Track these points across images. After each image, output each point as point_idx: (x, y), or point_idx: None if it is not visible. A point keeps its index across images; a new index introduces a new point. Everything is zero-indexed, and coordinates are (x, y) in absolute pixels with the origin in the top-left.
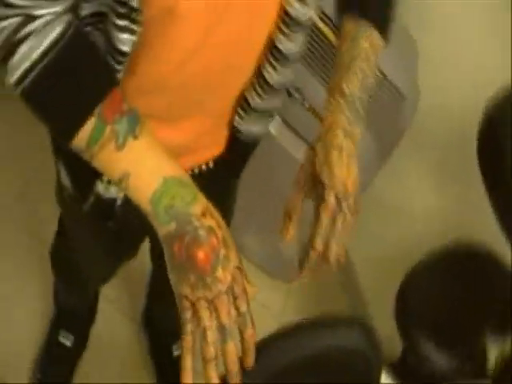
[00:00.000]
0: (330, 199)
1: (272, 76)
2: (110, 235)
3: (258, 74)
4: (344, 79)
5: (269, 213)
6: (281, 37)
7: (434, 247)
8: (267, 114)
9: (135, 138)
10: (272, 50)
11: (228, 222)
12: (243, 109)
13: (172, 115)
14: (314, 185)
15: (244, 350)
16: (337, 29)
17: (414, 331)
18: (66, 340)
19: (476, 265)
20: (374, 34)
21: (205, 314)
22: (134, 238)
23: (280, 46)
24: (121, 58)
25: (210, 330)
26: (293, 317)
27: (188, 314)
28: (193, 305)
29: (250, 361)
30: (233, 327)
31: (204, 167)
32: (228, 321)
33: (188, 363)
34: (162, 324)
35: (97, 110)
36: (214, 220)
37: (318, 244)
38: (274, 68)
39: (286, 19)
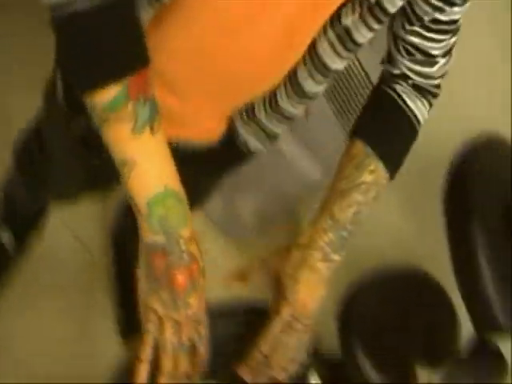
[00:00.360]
0: (285, 316)
1: (308, 83)
2: (89, 166)
3: (293, 78)
4: (337, 206)
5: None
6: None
7: (380, 263)
8: (273, 135)
9: (152, 131)
10: (314, 60)
11: (200, 202)
12: (266, 106)
13: (188, 87)
14: (276, 285)
15: (194, 365)
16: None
17: (354, 347)
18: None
19: (418, 289)
20: (381, 170)
21: (169, 330)
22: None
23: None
24: None
25: (171, 344)
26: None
27: (152, 328)
28: (158, 319)
29: (195, 377)
30: (188, 347)
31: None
32: (187, 341)
33: (143, 374)
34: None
35: (125, 81)
36: (197, 248)
37: (264, 348)
38: (312, 77)
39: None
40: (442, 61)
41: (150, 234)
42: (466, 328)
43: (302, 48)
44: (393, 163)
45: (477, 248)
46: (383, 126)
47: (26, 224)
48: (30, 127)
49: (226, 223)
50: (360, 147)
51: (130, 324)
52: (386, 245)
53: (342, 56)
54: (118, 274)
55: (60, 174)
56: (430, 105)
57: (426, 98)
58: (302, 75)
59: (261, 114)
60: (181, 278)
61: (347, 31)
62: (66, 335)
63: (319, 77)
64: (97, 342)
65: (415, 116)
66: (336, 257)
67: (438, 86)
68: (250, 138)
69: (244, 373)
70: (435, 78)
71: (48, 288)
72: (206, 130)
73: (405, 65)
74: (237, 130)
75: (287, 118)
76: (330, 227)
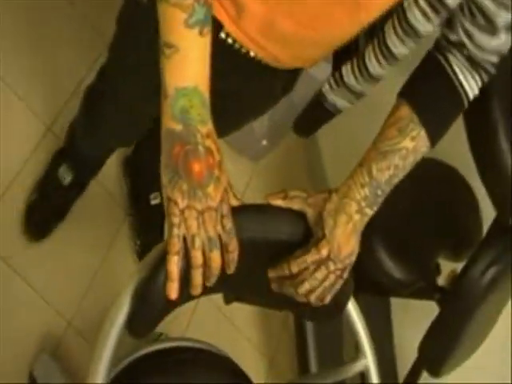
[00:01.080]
0: (323, 251)
1: (397, 46)
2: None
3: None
4: (376, 166)
5: None
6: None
7: None
8: (355, 94)
9: (201, 33)
10: (402, 22)
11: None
12: (355, 70)
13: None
14: (316, 221)
15: (227, 261)
16: None
17: (372, 238)
18: (64, 178)
19: (441, 181)
20: (422, 138)
21: (194, 223)
22: None
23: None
24: None
25: (198, 237)
26: (254, 196)
27: (175, 220)
28: (182, 212)
29: (232, 268)
30: (217, 240)
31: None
32: (214, 234)
33: (174, 268)
34: (142, 171)
35: None
36: (214, 145)
37: (293, 267)
38: (403, 41)
39: None
40: (503, 36)
41: (171, 121)
42: (487, 215)
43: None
44: (435, 132)
45: (497, 127)
46: (431, 94)
47: (87, 169)
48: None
49: (241, 141)
50: (406, 111)
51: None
52: None
53: (431, 19)
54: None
55: (124, 115)
56: (483, 82)
57: (478, 73)
58: (392, 40)
59: (350, 79)
60: (197, 167)
61: None
62: (87, 263)
63: (409, 41)
64: (117, 271)
65: (465, 92)
66: (369, 211)
67: (493, 65)
68: (338, 99)
69: (272, 277)
70: (492, 53)
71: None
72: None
73: (464, 28)
74: (324, 95)
75: (375, 79)
76: (366, 184)
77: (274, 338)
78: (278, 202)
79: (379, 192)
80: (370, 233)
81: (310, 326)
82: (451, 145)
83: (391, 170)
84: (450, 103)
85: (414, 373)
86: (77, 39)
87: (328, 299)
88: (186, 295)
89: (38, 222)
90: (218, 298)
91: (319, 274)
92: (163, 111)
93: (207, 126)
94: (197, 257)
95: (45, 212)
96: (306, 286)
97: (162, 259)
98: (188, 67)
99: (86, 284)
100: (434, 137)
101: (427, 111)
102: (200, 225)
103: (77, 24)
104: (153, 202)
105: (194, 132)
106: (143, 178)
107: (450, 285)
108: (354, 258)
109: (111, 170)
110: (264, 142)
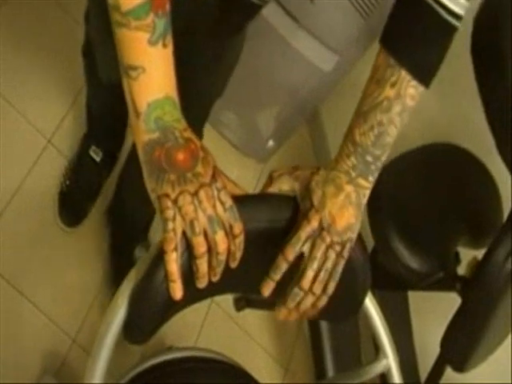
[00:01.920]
0: (313, 221)
1: None
2: None
3: None
4: (359, 130)
5: (248, 90)
6: None
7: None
8: None
9: (164, 45)
10: None
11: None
12: None
13: None
14: (305, 193)
15: (232, 250)
16: None
17: (386, 228)
18: (96, 155)
19: (456, 165)
20: (404, 80)
21: (189, 207)
22: None
23: None
24: None
25: (197, 221)
26: None
27: (169, 213)
28: (175, 202)
29: (238, 257)
30: (219, 220)
31: None
32: (213, 212)
33: (174, 266)
34: (125, 221)
35: None
36: (192, 135)
37: (288, 253)
38: None
39: None
40: None
41: (146, 134)
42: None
43: None
44: (423, 69)
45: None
46: (404, 25)
47: (113, 140)
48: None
49: (247, 143)
50: (381, 57)
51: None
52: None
53: None
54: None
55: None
56: None
57: None
58: None
59: None
60: (181, 155)
61: None
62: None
63: None
64: None
65: (450, 11)
66: (363, 181)
67: None
68: None
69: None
70: None
71: None
72: None
73: None
74: None
75: None
76: (352, 152)
77: (288, 344)
78: (269, 190)
79: (369, 158)
80: (384, 222)
81: (325, 328)
82: (466, 128)
83: (375, 129)
84: (428, 28)
85: (437, 370)
86: (74, 50)
87: (332, 287)
88: (188, 297)
89: (74, 205)
90: (228, 306)
91: (317, 251)
92: (137, 129)
93: (182, 123)
94: (199, 243)
95: (80, 194)
96: (309, 274)
97: (159, 257)
98: (156, 81)
99: (90, 300)
100: (420, 73)
101: (402, 46)
102: (197, 207)
103: (73, 34)
104: (138, 255)
105: (171, 130)
106: (127, 229)
107: (472, 273)
108: (353, 235)
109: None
110: (270, 143)
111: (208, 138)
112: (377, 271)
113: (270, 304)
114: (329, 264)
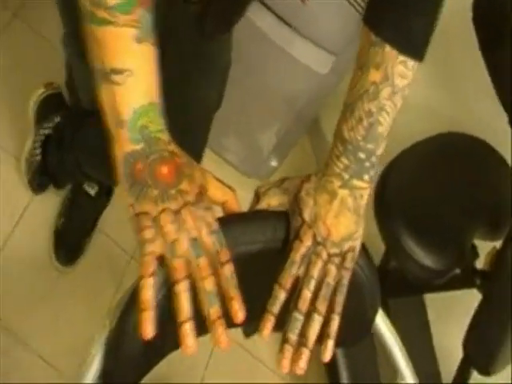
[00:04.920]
0: (306, 239)
1: None
2: None
3: None
4: (346, 125)
5: (245, 109)
6: None
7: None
8: None
9: (152, 43)
10: None
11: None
12: None
13: None
14: (295, 207)
15: (224, 289)
16: None
17: (396, 225)
18: (91, 189)
19: (468, 154)
20: (390, 55)
21: (171, 227)
22: None
23: None
24: None
25: (179, 243)
26: None
27: (147, 234)
28: (154, 220)
29: (238, 304)
30: (204, 242)
31: None
32: (197, 233)
33: (148, 294)
34: None
35: None
36: (178, 149)
37: (284, 280)
38: None
39: None
40: None
41: (130, 144)
42: None
43: None
44: (410, 40)
45: None
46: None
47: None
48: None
49: (248, 162)
50: (364, 38)
51: None
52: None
53: None
54: None
55: None
56: None
57: None
58: None
59: None
60: (165, 169)
61: None
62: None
63: None
64: None
65: None
66: (358, 182)
67: None
68: None
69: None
70: None
71: None
72: None
73: None
74: None
75: None
76: (342, 152)
77: None
78: (257, 207)
79: (361, 155)
80: (392, 219)
81: (340, 350)
82: (479, 118)
83: (364, 121)
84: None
85: (462, 375)
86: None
87: (340, 303)
88: (171, 341)
89: (70, 243)
90: (237, 332)
91: (313, 270)
92: (119, 139)
93: (166, 134)
94: (179, 267)
95: (75, 232)
96: (306, 294)
97: (133, 301)
98: (143, 85)
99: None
100: (407, 45)
101: (382, 17)
102: (180, 229)
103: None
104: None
105: (156, 142)
106: None
107: (492, 265)
108: (355, 243)
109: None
110: (272, 160)
111: (206, 161)
112: (390, 278)
113: (282, 324)
114: (329, 279)
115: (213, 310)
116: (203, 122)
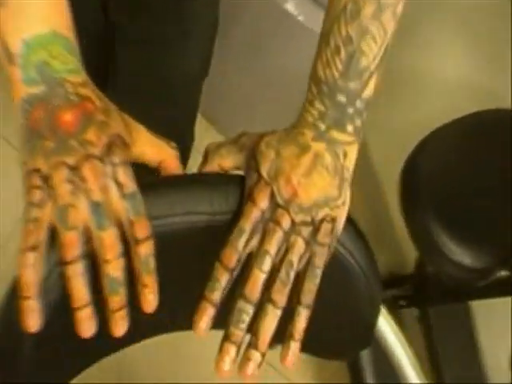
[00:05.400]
0: (260, 199)
1: None
2: None
3: None
4: (320, 60)
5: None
6: None
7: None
8: None
9: None
10: None
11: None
12: None
13: None
14: (248, 171)
15: (137, 271)
16: None
17: (427, 219)
18: None
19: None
20: None
21: (65, 187)
22: None
23: None
24: None
25: (74, 208)
26: None
27: (34, 196)
28: (45, 180)
29: (152, 296)
30: (109, 210)
31: None
32: (102, 196)
33: (29, 274)
34: None
35: None
36: (94, 93)
37: (228, 256)
38: None
39: None
40: None
41: (26, 88)
42: None
43: None
44: None
45: None
46: None
47: None
48: None
49: None
50: None
51: None
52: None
53: None
54: None
55: None
56: None
57: None
58: None
59: None
60: (68, 116)
61: None
62: None
63: None
64: None
65: None
66: (340, 134)
67: None
68: None
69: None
70: None
71: None
72: None
73: None
74: None
75: None
76: (315, 96)
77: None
78: (205, 169)
79: (341, 97)
80: (424, 212)
81: (366, 359)
82: None
83: (342, 50)
84: None
85: None
86: None
87: (309, 291)
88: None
89: None
90: None
91: (269, 241)
92: (13, 80)
93: (81, 76)
94: (70, 242)
95: None
96: (256, 276)
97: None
98: (36, 9)
99: None
100: None
101: None
102: (77, 189)
103: None
104: None
105: (61, 83)
106: None
107: None
108: (336, 212)
109: None
110: None
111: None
112: (429, 285)
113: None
114: (293, 256)
115: (113, 300)
116: (188, 94)
